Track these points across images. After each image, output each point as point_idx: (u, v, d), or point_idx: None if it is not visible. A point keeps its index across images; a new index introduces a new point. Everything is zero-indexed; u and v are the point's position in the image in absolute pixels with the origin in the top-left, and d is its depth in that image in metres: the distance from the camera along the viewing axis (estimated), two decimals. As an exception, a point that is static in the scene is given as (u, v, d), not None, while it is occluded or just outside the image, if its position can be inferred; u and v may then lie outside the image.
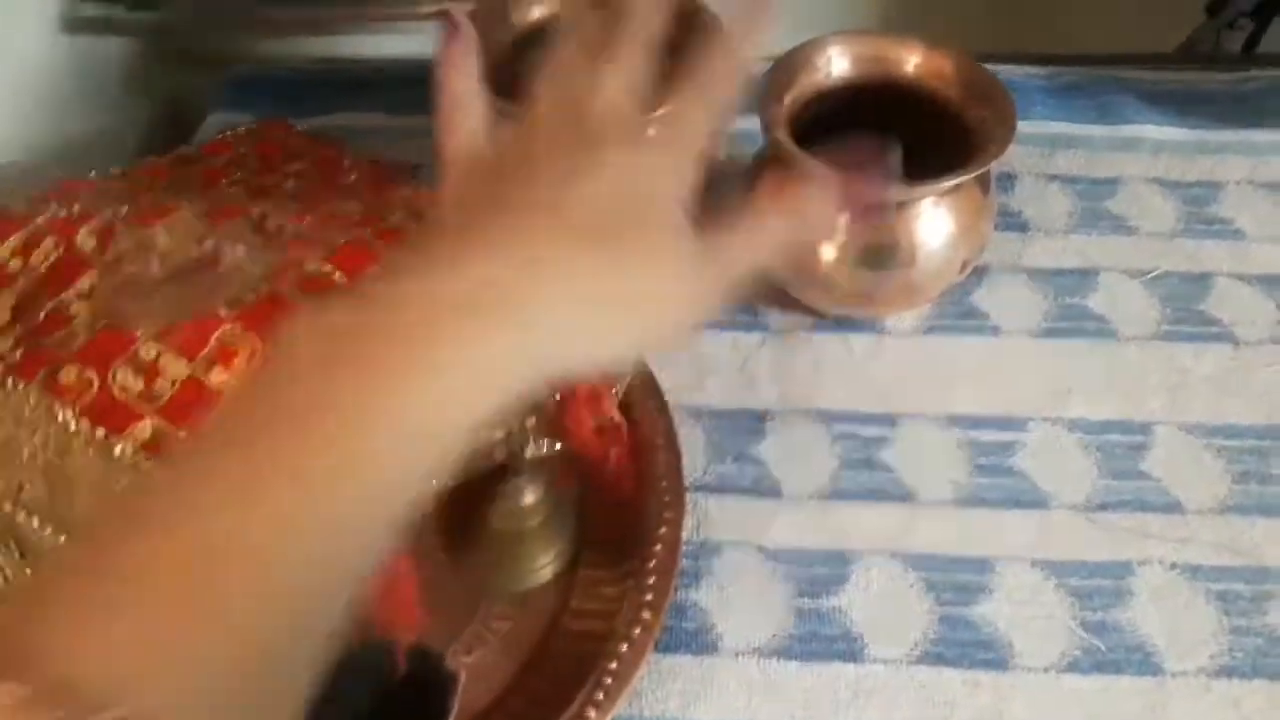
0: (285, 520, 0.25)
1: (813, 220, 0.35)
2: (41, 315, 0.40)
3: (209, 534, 0.24)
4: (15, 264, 0.41)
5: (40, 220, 0.43)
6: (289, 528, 0.25)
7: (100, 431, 0.38)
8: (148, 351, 0.39)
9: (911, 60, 0.53)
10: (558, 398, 0.46)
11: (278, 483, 0.25)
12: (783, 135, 0.49)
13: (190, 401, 0.38)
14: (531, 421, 0.46)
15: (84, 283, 0.41)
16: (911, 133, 0.52)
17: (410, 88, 0.69)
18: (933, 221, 0.50)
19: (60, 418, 0.37)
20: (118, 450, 0.37)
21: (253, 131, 0.63)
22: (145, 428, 0.38)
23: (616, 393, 0.47)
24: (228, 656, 0.24)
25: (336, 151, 0.62)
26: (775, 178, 0.52)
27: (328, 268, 0.42)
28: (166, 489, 0.26)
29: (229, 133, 0.62)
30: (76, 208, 0.44)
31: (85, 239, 0.42)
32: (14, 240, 0.42)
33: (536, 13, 0.58)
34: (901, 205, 0.50)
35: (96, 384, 0.38)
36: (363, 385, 0.26)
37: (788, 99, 0.52)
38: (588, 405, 0.46)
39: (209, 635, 0.24)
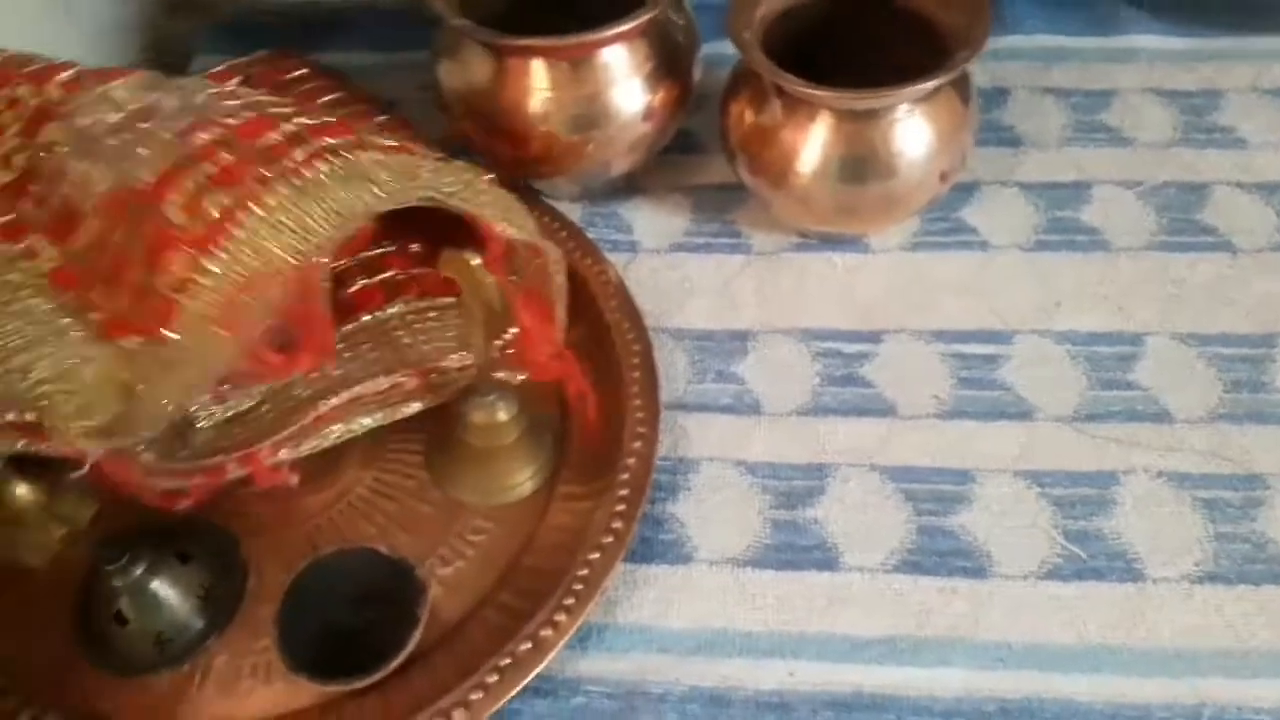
0: None
1: None
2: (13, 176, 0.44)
3: None
4: (7, 117, 0.45)
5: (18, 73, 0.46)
6: None
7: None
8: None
9: (888, -33, 0.52)
10: (512, 331, 0.46)
11: None
12: (755, 51, 0.49)
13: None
14: (497, 346, 0.46)
15: (45, 134, 0.43)
16: (892, 41, 0.51)
17: (390, 25, 0.70)
18: (910, 131, 0.49)
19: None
20: None
21: (258, 60, 0.63)
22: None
23: (560, 323, 0.47)
24: None
25: (338, 81, 0.62)
26: (750, 95, 0.51)
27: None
28: None
29: (234, 62, 0.62)
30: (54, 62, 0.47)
31: (53, 89, 0.45)
32: (3, 93, 0.45)
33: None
34: (879, 113, 0.49)
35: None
36: None
37: (759, 13, 0.51)
38: (537, 336, 0.45)
39: None
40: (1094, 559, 0.43)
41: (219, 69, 0.61)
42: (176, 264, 0.40)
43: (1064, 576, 0.43)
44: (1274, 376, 0.48)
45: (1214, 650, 0.40)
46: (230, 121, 0.43)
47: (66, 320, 0.41)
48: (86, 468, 0.38)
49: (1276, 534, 0.43)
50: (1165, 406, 0.48)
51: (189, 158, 0.42)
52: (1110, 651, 0.41)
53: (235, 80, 0.60)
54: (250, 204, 0.40)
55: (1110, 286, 0.52)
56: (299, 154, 0.41)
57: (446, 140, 0.56)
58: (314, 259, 0.39)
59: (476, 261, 0.39)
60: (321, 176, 0.40)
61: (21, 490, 0.45)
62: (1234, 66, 0.63)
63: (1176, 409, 0.47)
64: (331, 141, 0.42)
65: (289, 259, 0.39)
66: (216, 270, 0.39)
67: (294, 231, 0.39)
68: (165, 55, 0.73)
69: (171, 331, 0.40)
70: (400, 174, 0.41)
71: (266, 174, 0.41)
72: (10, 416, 0.36)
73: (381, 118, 0.58)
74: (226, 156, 0.42)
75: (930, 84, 0.47)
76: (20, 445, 0.35)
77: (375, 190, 0.40)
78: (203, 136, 0.43)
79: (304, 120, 0.43)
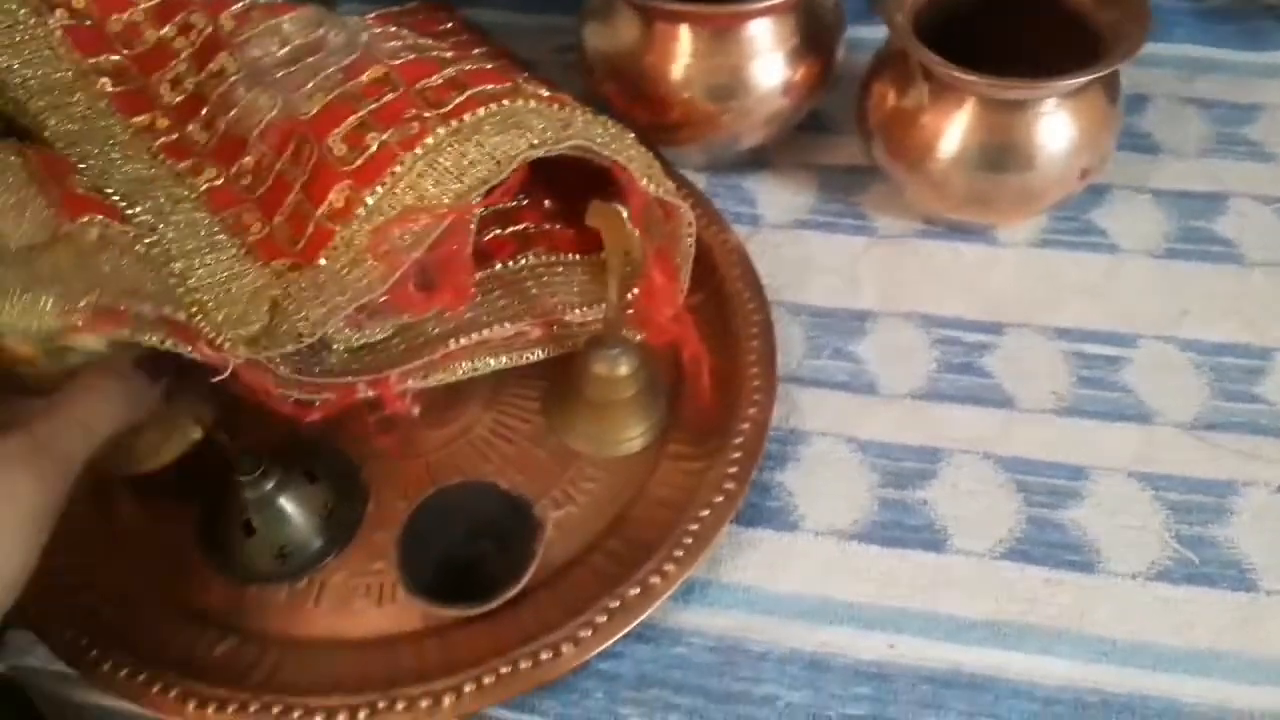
0: None
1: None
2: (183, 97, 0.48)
3: None
4: (180, 42, 0.49)
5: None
6: None
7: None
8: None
9: (1044, -39, 0.52)
10: (632, 294, 0.47)
11: None
12: (907, 32, 0.49)
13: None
14: (627, 300, 0.48)
15: (217, 63, 0.47)
16: (1041, 36, 0.51)
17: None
18: (1054, 125, 0.49)
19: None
20: None
21: (407, 11, 0.65)
22: None
23: (683, 285, 0.48)
24: None
25: (482, 37, 0.64)
26: (895, 77, 0.52)
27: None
28: None
29: (383, 11, 0.64)
30: None
31: (226, 20, 0.48)
32: (178, 20, 0.49)
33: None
34: (1026, 104, 0.49)
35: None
36: None
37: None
38: (660, 296, 0.46)
39: None
40: (1206, 565, 0.43)
41: (370, 16, 0.63)
42: (335, 194, 0.42)
43: (1174, 579, 0.42)
44: None
45: (1326, 667, 0.40)
46: (394, 62, 0.45)
47: (223, 236, 0.44)
48: (227, 373, 0.40)
49: (1399, 560, 0.42)
50: (1291, 423, 0.47)
51: (353, 94, 0.44)
52: (1218, 657, 0.40)
53: (387, 27, 0.62)
54: (409, 142, 0.42)
55: (1241, 299, 0.52)
56: (459, 97, 0.43)
57: (586, 102, 0.57)
58: (466, 200, 0.40)
59: (625, 213, 0.40)
60: (479, 121, 0.42)
61: None
62: (1390, 87, 0.61)
63: (1303, 427, 0.47)
64: (490, 88, 0.44)
65: (443, 198, 0.41)
66: (372, 203, 0.41)
67: (449, 172, 0.41)
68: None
69: (323, 258, 0.42)
70: (555, 122, 0.43)
71: (426, 114, 0.42)
72: (166, 311, 0.38)
73: (525, 74, 0.59)
74: (389, 95, 0.44)
75: (1082, 79, 0.47)
76: (168, 343, 0.37)
77: (530, 137, 0.41)
78: (367, 73, 0.45)
79: (464, 66, 0.45)
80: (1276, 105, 0.61)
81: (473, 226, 0.43)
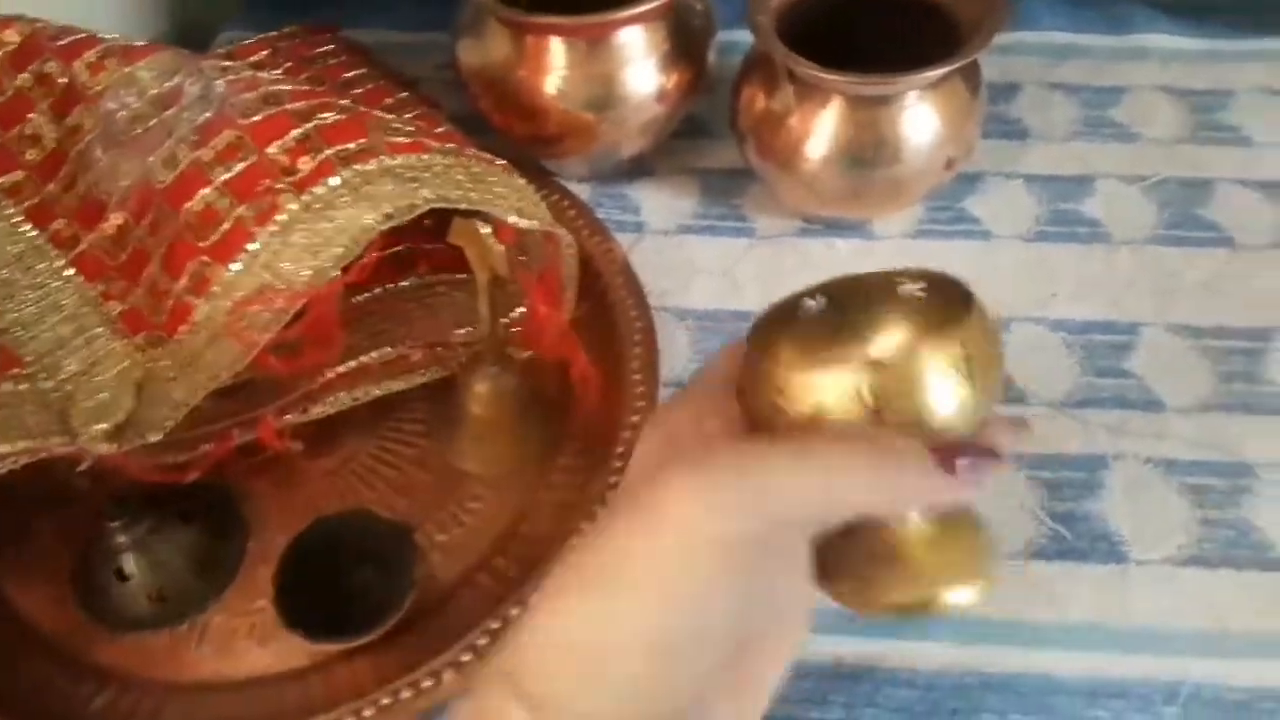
0: None
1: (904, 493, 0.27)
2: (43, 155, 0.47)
3: None
4: (37, 92, 0.48)
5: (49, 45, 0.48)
6: None
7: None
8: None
9: (902, -43, 0.53)
10: (517, 312, 0.48)
11: None
12: (770, 35, 0.49)
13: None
14: (505, 323, 0.48)
15: (74, 117, 0.46)
16: (907, 31, 0.52)
17: (414, 4, 0.71)
18: (917, 117, 0.50)
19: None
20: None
21: (286, 35, 0.64)
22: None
23: (569, 305, 0.49)
24: None
25: (363, 57, 0.64)
26: (763, 79, 0.52)
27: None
28: None
29: (263, 36, 0.63)
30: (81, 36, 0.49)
31: (81, 69, 0.47)
32: (33, 68, 0.48)
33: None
34: (889, 99, 0.50)
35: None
36: None
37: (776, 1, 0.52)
38: (544, 318, 0.47)
39: None
40: (1079, 540, 0.44)
41: (249, 42, 0.63)
42: (191, 268, 0.42)
43: (1048, 556, 0.44)
44: (1267, 369, 0.49)
45: (1194, 631, 0.41)
46: (248, 120, 0.44)
47: (92, 316, 0.44)
48: (87, 464, 0.40)
49: (1261, 520, 0.44)
50: (1157, 395, 0.48)
51: (206, 162, 0.44)
52: (1090, 629, 0.41)
53: (263, 53, 0.62)
54: (263, 216, 0.42)
55: (1108, 278, 0.53)
56: (312, 162, 0.43)
57: (464, 117, 0.57)
58: (324, 277, 0.40)
59: (486, 230, 0.40)
60: (332, 191, 0.42)
61: None
62: (1245, 67, 0.63)
63: (1168, 398, 0.48)
64: (344, 148, 0.43)
65: (300, 274, 0.40)
66: (229, 278, 0.41)
67: (305, 250, 0.41)
68: (195, 27, 0.74)
69: (184, 333, 0.42)
70: (408, 182, 0.42)
71: (279, 185, 0.42)
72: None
73: (402, 94, 0.59)
74: (241, 163, 0.43)
75: (939, 71, 0.48)
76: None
77: (384, 207, 0.41)
78: (221, 137, 0.44)
79: (318, 120, 0.44)
80: (1140, 87, 0.62)
81: (336, 294, 0.43)
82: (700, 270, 0.56)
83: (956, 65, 0.48)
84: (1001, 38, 0.63)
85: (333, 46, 0.64)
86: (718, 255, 0.56)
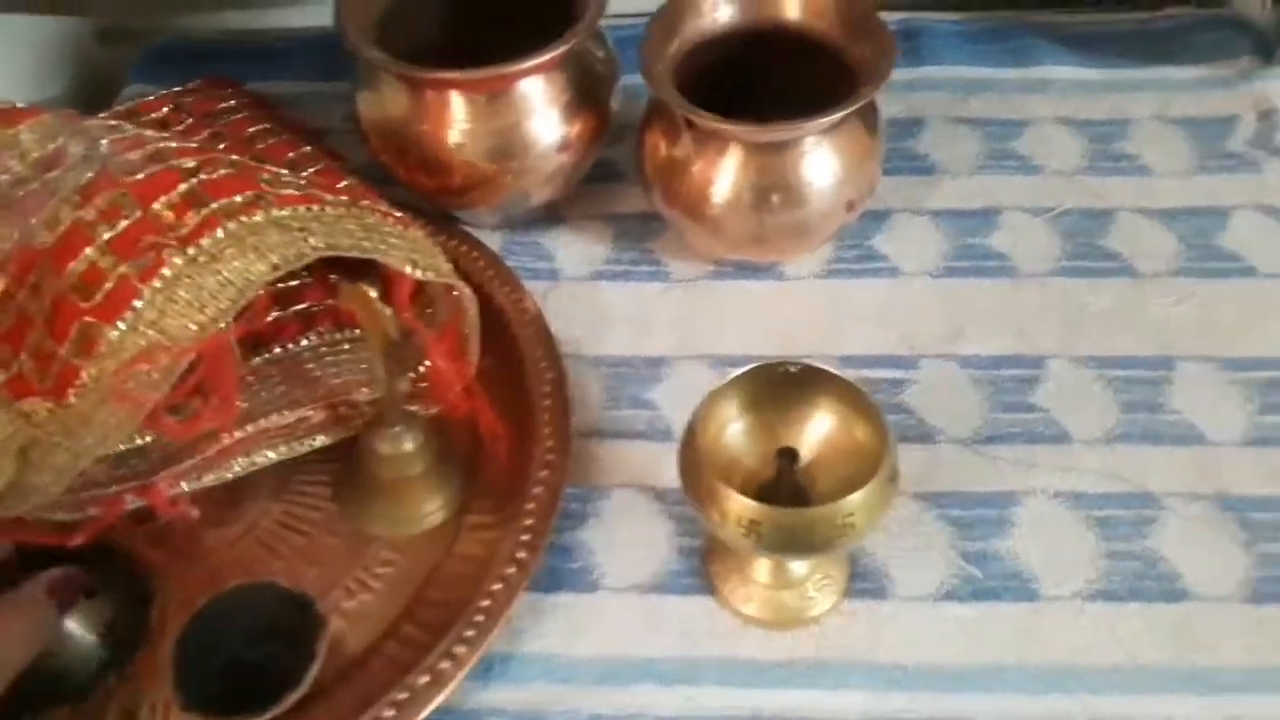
0: None
1: None
2: None
3: None
4: None
5: None
6: None
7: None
8: None
9: (795, 2, 0.53)
10: (421, 369, 0.47)
11: None
12: (666, 85, 0.50)
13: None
14: (408, 379, 0.47)
15: None
16: (806, 75, 0.53)
17: (322, 55, 0.70)
18: (817, 161, 0.50)
19: None
20: None
21: (190, 90, 0.63)
22: None
23: (472, 359, 0.47)
24: None
25: (268, 110, 0.63)
26: (664, 127, 0.52)
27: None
28: None
29: (165, 93, 0.62)
30: None
31: None
32: None
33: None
34: (787, 145, 0.50)
35: None
36: None
37: (672, 47, 0.52)
38: (448, 374, 0.46)
39: None
40: (990, 579, 0.44)
41: (151, 99, 0.62)
42: (76, 330, 0.41)
43: (961, 598, 0.44)
44: (1169, 398, 0.50)
45: (1105, 667, 0.41)
46: (132, 178, 0.44)
47: None
48: None
49: (1167, 551, 0.44)
50: (1064, 428, 0.49)
51: (89, 221, 0.42)
52: (1003, 670, 0.41)
53: (166, 108, 0.61)
54: (147, 274, 0.40)
55: (1015, 312, 0.54)
56: (196, 218, 0.42)
57: (371, 169, 0.57)
58: (212, 330, 0.39)
59: (374, 293, 0.39)
60: (218, 243, 0.41)
61: None
62: (1141, 96, 0.64)
63: (1075, 430, 0.49)
64: (230, 201, 0.42)
65: (188, 329, 0.39)
66: (115, 339, 0.40)
67: (190, 304, 0.40)
68: (98, 84, 0.73)
69: (73, 396, 0.40)
70: (295, 231, 0.41)
71: (162, 242, 0.41)
72: None
73: (306, 149, 0.58)
74: (125, 221, 0.42)
75: (835, 116, 0.48)
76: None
77: (271, 258, 0.40)
78: (104, 196, 0.43)
79: (204, 176, 0.43)
80: (1042, 119, 0.63)
81: (230, 348, 0.42)
82: (614, 316, 0.55)
83: (851, 109, 0.48)
84: (906, 74, 0.65)
85: (235, 101, 0.63)
86: (631, 300, 0.56)
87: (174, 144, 0.48)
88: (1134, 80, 0.65)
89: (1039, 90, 0.65)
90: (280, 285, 0.50)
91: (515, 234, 0.59)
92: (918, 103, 0.65)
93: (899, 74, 0.64)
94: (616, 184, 0.62)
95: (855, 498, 0.36)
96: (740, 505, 0.37)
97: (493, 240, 0.58)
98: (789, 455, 0.40)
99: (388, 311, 0.40)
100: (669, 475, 0.47)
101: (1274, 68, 0.65)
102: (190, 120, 0.61)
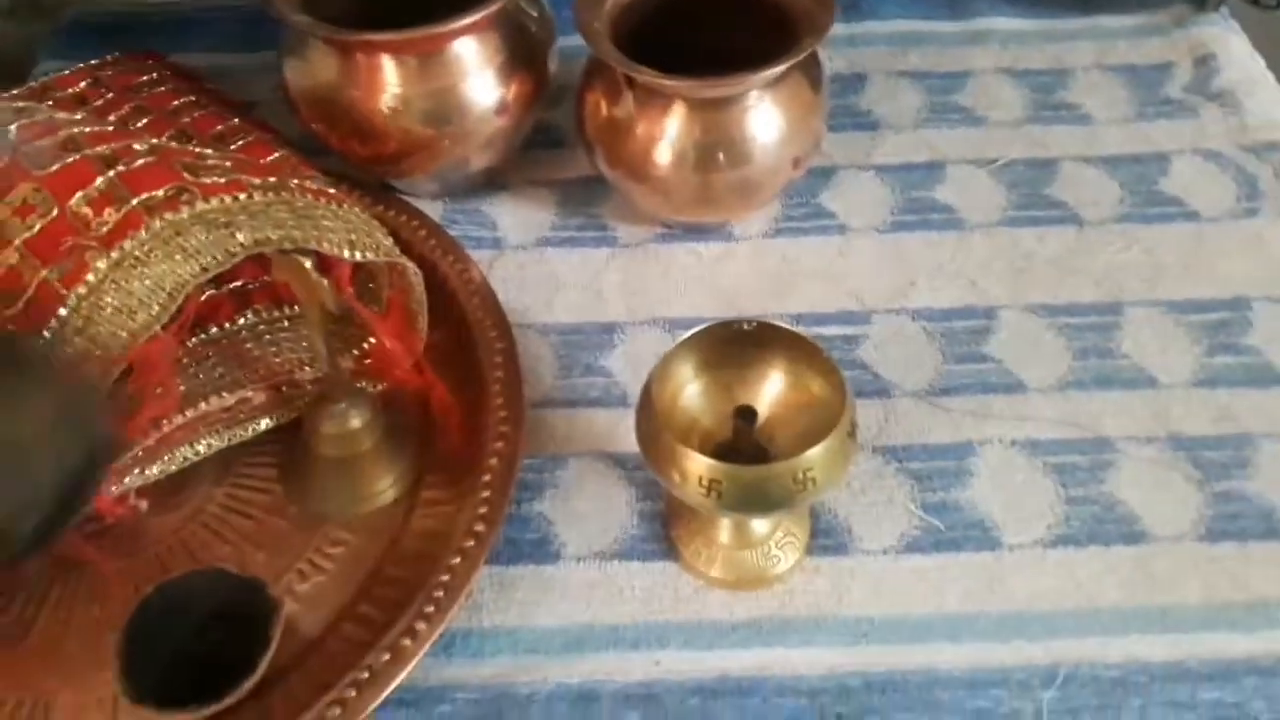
0: None
1: None
2: None
3: None
4: None
5: None
6: None
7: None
8: None
9: (734, -46, 0.52)
10: (367, 345, 0.46)
11: None
12: (605, 42, 0.48)
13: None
14: (354, 355, 0.46)
15: None
16: (749, 31, 0.52)
17: (247, 24, 0.68)
18: (761, 117, 0.49)
19: None
20: None
21: (108, 63, 0.60)
22: None
23: (421, 334, 0.46)
24: None
25: (194, 83, 0.60)
26: (604, 87, 0.51)
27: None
28: None
29: (82, 66, 0.59)
30: None
31: None
32: None
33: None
34: (731, 101, 0.49)
35: None
36: None
37: (608, 3, 0.51)
38: (395, 350, 0.45)
39: None
40: (952, 530, 0.44)
41: (67, 73, 0.59)
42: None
43: (924, 549, 0.43)
44: (1119, 343, 0.50)
45: (1067, 611, 0.41)
46: (46, 171, 0.41)
47: None
48: None
49: (1124, 494, 0.45)
50: (1018, 377, 0.49)
51: (3, 220, 0.41)
52: (968, 620, 0.41)
53: (84, 83, 0.58)
54: (71, 279, 0.39)
55: (964, 263, 0.54)
56: (117, 215, 0.40)
57: (303, 139, 0.55)
58: (143, 337, 0.38)
59: (308, 264, 0.38)
60: (140, 248, 0.39)
61: None
62: (1080, 45, 0.65)
63: (1028, 379, 0.49)
64: (149, 196, 0.40)
65: (119, 336, 0.38)
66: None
67: (118, 311, 0.38)
68: (6, 62, 0.70)
69: None
70: (221, 228, 0.40)
71: (85, 243, 0.39)
72: None
73: (234, 120, 0.56)
74: (40, 221, 0.40)
75: (777, 69, 0.47)
76: None
77: (199, 259, 0.39)
78: (17, 192, 0.41)
79: (122, 167, 0.41)
80: (983, 70, 0.63)
81: (166, 351, 0.41)
82: (563, 284, 0.54)
83: (792, 61, 0.47)
84: (847, 29, 0.64)
85: (157, 74, 0.60)
86: (579, 267, 0.55)
87: (87, 129, 0.46)
88: (1072, 30, 0.66)
89: (979, 42, 0.65)
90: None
91: (456, 203, 0.58)
92: (859, 58, 0.64)
93: (840, 29, 0.64)
94: (558, 149, 0.60)
95: (814, 452, 0.36)
96: (700, 465, 0.36)
97: (433, 210, 0.57)
98: (747, 414, 0.40)
99: (325, 283, 0.38)
100: (627, 441, 0.47)
101: (1208, 14, 0.65)
102: (110, 95, 0.58)
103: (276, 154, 0.52)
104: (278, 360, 0.47)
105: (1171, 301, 0.51)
